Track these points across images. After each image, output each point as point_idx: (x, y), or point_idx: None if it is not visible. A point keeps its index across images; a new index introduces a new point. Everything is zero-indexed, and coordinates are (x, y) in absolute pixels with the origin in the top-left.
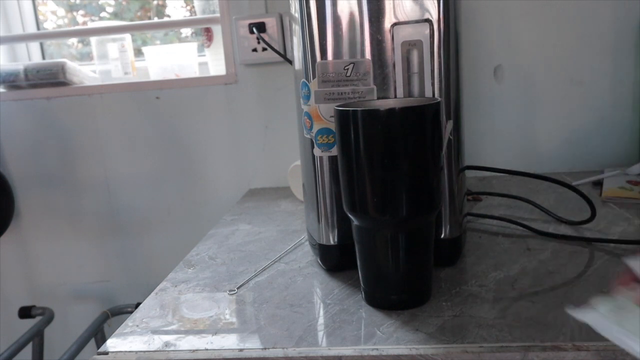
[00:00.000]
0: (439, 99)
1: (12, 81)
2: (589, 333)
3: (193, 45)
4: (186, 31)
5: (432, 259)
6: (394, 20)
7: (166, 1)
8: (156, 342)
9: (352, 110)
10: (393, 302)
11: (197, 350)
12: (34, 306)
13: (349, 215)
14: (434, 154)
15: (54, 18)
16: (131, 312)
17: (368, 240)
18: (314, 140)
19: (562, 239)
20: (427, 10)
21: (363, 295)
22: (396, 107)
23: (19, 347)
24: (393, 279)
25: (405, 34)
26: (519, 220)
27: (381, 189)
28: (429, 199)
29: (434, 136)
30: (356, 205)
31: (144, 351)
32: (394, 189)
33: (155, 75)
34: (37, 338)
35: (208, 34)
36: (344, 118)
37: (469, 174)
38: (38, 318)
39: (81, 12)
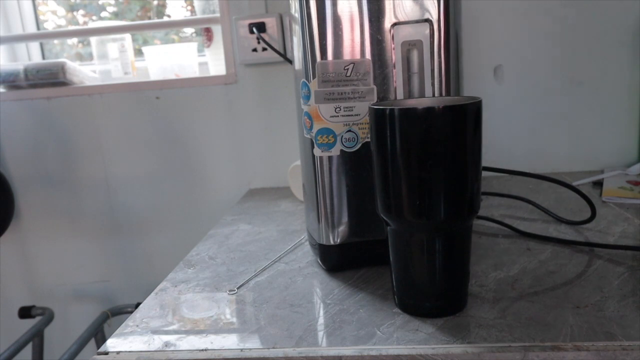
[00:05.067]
0: (480, 98)
1: (12, 81)
2: (589, 333)
3: (193, 45)
4: (188, 29)
5: (469, 266)
6: (394, 20)
7: (166, 1)
8: (156, 342)
9: (389, 109)
10: (427, 309)
11: (197, 350)
12: (34, 306)
13: (383, 217)
14: (474, 156)
15: (54, 18)
16: (131, 312)
17: (402, 244)
18: (314, 140)
19: (559, 242)
20: (427, 10)
21: (396, 301)
22: (436, 105)
23: (19, 347)
24: (427, 286)
25: (405, 34)
26: (519, 219)
27: (418, 191)
28: (468, 203)
29: (475, 136)
30: (391, 207)
31: (144, 351)
32: (431, 191)
33: (155, 75)
34: (37, 338)
35: (208, 34)
36: (380, 117)
37: None
38: (38, 318)
39: (81, 12)
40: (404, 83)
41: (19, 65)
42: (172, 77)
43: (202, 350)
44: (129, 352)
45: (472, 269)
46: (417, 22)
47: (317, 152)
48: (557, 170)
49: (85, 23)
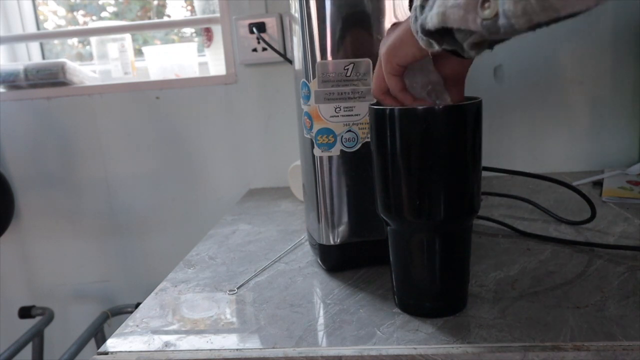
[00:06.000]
0: (480, 98)
1: (12, 81)
2: (589, 333)
3: (193, 45)
4: (188, 29)
5: (469, 266)
6: (394, 20)
7: (166, 1)
8: (156, 342)
9: (389, 109)
10: (427, 309)
11: (197, 350)
12: (34, 306)
13: (383, 217)
14: (474, 155)
15: (54, 18)
16: (131, 312)
17: (402, 244)
18: (314, 140)
19: (559, 242)
20: None
21: (396, 301)
22: (436, 105)
23: (19, 347)
24: (427, 286)
25: None
26: (519, 219)
27: (418, 191)
28: (468, 203)
29: (475, 137)
30: (391, 207)
31: (144, 351)
32: (431, 191)
33: (155, 75)
34: (37, 338)
35: (208, 34)
36: (380, 117)
37: None
38: (38, 318)
39: (81, 12)
40: None
41: (19, 65)
42: (172, 77)
43: (202, 350)
44: (129, 352)
45: (472, 269)
46: None
47: (317, 152)
48: (557, 170)
49: (85, 23)
